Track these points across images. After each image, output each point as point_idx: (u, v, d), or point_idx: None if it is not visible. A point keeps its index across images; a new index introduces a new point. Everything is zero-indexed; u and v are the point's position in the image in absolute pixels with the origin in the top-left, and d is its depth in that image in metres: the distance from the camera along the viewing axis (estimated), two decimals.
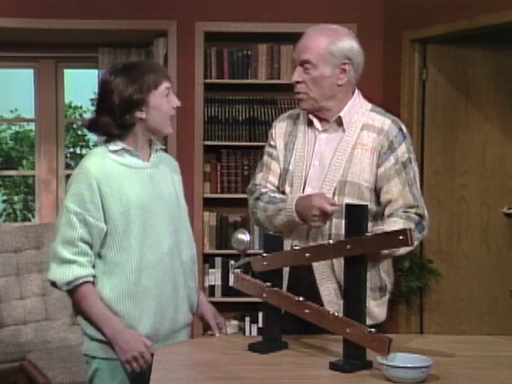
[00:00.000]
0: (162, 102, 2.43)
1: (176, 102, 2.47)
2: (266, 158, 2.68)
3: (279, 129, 2.67)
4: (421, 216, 2.49)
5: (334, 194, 2.48)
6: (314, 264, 2.48)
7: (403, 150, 2.50)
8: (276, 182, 2.64)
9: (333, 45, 2.48)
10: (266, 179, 2.65)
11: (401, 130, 2.53)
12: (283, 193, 2.59)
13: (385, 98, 4.92)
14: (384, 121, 2.53)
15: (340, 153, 2.50)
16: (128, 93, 2.39)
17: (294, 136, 2.61)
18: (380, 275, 2.54)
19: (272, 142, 2.67)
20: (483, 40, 4.63)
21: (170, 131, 2.53)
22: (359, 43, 2.56)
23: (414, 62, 4.73)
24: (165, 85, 2.43)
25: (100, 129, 2.47)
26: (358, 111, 2.55)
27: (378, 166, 2.49)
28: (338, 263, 2.45)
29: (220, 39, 5.08)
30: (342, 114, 2.53)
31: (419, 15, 4.65)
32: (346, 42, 2.51)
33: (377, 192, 2.51)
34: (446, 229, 4.82)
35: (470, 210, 4.82)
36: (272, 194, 2.60)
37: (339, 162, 2.50)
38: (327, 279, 2.49)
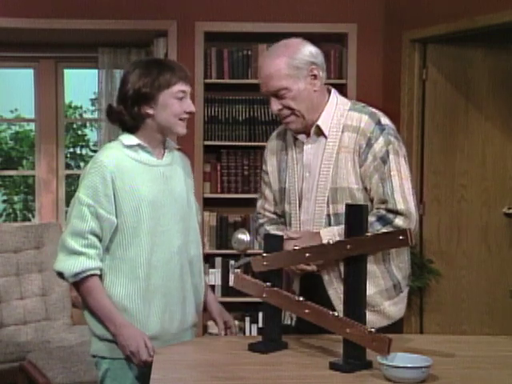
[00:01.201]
0: (173, 102, 2.41)
1: (190, 107, 2.45)
2: (262, 184, 2.73)
3: (270, 150, 2.68)
4: (391, 211, 2.42)
5: (328, 203, 2.47)
6: (324, 277, 2.49)
7: (381, 145, 2.44)
8: (272, 209, 2.69)
9: (293, 59, 2.44)
10: (262, 207, 2.71)
11: (378, 123, 2.47)
12: (283, 212, 2.61)
13: (385, 98, 4.92)
14: (361, 118, 2.48)
15: (326, 160, 2.49)
16: (138, 85, 2.39)
17: (285, 154, 2.61)
18: (391, 272, 2.51)
19: (264, 167, 2.69)
20: (483, 40, 4.64)
21: (181, 132, 2.48)
22: (314, 44, 2.53)
23: (414, 62, 4.73)
24: (179, 87, 2.41)
25: (112, 116, 2.49)
26: (337, 113, 2.51)
27: (360, 165, 2.46)
28: None
29: (220, 39, 5.08)
30: (319, 122, 2.51)
31: (419, 15, 4.65)
32: (304, 50, 2.48)
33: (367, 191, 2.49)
34: (446, 229, 4.82)
35: (470, 210, 4.82)
36: (267, 228, 2.65)
37: (327, 169, 2.48)
38: (337, 288, 2.48)
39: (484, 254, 4.84)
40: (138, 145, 2.45)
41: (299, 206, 2.54)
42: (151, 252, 2.40)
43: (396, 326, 2.52)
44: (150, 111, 2.42)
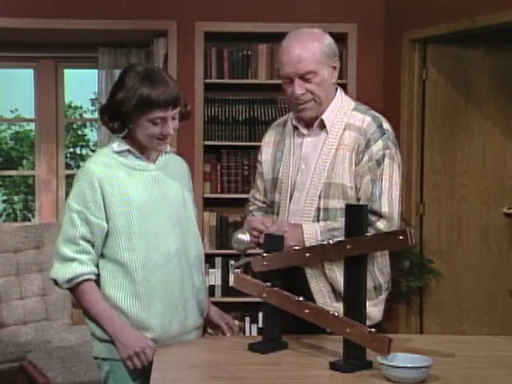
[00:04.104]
0: (148, 125, 2.37)
1: (166, 131, 2.39)
2: (256, 173, 2.77)
3: (268, 139, 2.71)
4: (374, 212, 2.41)
5: (319, 197, 2.49)
6: (307, 270, 2.48)
7: (378, 147, 2.46)
8: (261, 198, 2.73)
9: (323, 46, 2.49)
10: (253, 196, 2.77)
11: (380, 126, 2.50)
12: (273, 202, 2.62)
13: (385, 98, 4.93)
14: (364, 119, 2.51)
15: (324, 155, 2.51)
16: (118, 101, 2.37)
17: (283, 144, 2.63)
18: (374, 274, 2.52)
19: (259, 157, 2.73)
20: (483, 40, 4.64)
21: (159, 149, 2.47)
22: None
23: (413, 62, 4.73)
24: (157, 114, 2.36)
25: (101, 120, 2.49)
26: (341, 111, 2.54)
27: (355, 164, 2.48)
28: (329, 266, 2.46)
29: (220, 39, 5.08)
30: (324, 116, 2.53)
31: (419, 15, 4.66)
32: (329, 39, 2.53)
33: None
34: (446, 229, 4.82)
35: (470, 210, 4.82)
36: (254, 213, 2.71)
37: (323, 164, 2.50)
38: (319, 282, 2.49)
39: (484, 253, 4.84)
40: (128, 150, 2.45)
41: (290, 197, 2.55)
42: (146, 255, 2.39)
43: (378, 328, 2.50)
44: (130, 126, 2.41)
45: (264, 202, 2.72)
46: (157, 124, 2.38)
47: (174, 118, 2.41)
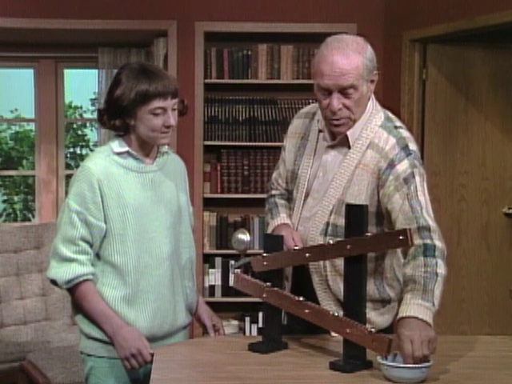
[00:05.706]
0: (149, 118, 2.36)
1: (168, 122, 2.38)
2: (280, 156, 2.65)
3: (294, 128, 2.59)
4: (424, 228, 2.32)
5: (331, 212, 2.42)
6: (314, 277, 2.46)
7: (405, 166, 2.35)
8: (284, 185, 2.64)
9: (366, 59, 2.36)
10: (276, 180, 2.68)
11: (405, 147, 2.38)
12: (291, 195, 2.57)
13: (385, 98, 4.90)
14: (388, 140, 2.39)
15: (343, 170, 2.42)
16: (117, 97, 2.37)
17: (306, 139, 2.54)
18: (383, 288, 2.48)
19: (285, 142, 2.61)
20: (483, 40, 4.64)
21: (163, 143, 2.45)
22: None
23: (413, 62, 4.73)
24: (156, 104, 2.35)
25: (102, 123, 2.48)
26: (368, 126, 2.43)
27: (380, 187, 2.37)
28: (333, 279, 2.43)
29: (220, 39, 5.08)
30: (349, 132, 2.41)
31: (419, 15, 4.66)
32: (371, 52, 2.42)
33: (383, 213, 2.40)
34: (446, 229, 4.78)
35: (470, 210, 4.82)
36: (277, 200, 2.63)
37: (340, 180, 2.41)
38: (326, 291, 2.46)
39: (484, 253, 4.84)
40: (127, 152, 2.44)
41: (304, 200, 2.49)
42: (138, 258, 2.40)
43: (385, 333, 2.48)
44: (131, 122, 2.40)
45: (286, 190, 2.63)
46: (158, 115, 2.37)
47: (173, 109, 2.41)
